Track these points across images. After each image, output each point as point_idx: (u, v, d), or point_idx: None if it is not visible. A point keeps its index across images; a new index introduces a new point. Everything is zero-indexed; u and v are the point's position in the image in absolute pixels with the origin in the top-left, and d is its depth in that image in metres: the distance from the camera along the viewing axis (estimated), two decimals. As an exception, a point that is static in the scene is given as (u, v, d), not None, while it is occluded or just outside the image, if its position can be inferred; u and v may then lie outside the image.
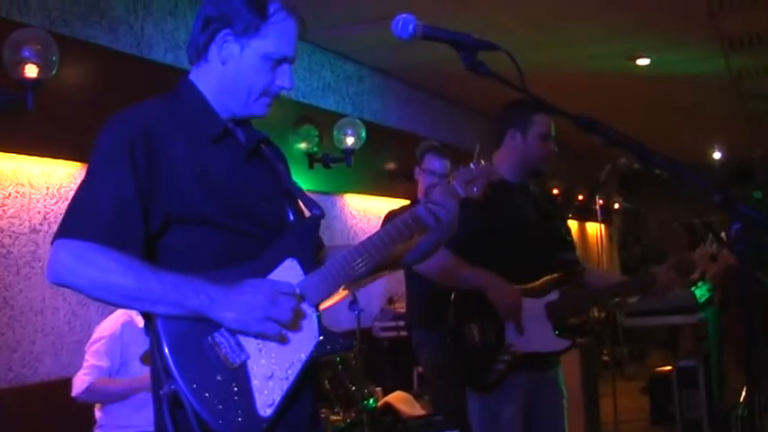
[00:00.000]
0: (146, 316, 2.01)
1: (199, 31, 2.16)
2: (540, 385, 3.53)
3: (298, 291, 2.04)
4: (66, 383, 3.95)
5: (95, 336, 3.98)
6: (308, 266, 2.11)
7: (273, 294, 1.96)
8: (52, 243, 1.91)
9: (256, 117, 2.22)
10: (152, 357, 2.02)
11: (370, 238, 2.22)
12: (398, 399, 5.25)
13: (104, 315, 4.17)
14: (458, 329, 3.50)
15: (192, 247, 2.04)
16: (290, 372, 2.01)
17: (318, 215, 2.20)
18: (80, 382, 3.87)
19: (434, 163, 4.94)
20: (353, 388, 4.52)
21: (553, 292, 3.48)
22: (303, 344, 2.05)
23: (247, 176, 2.16)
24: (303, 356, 2.04)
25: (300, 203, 2.29)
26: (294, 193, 2.28)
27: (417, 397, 5.56)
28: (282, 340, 2.00)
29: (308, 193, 2.30)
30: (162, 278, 1.90)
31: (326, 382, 4.44)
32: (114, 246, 1.88)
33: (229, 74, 2.14)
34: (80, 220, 1.91)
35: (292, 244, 2.12)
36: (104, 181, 1.95)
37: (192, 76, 2.21)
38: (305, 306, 2.06)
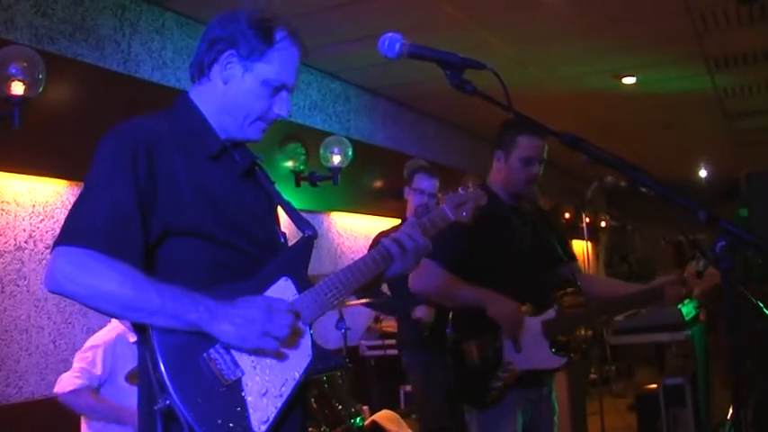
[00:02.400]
0: (139, 330, 2.00)
1: (204, 50, 2.19)
2: (537, 401, 3.55)
3: (287, 306, 2.05)
4: (52, 402, 3.92)
5: (91, 343, 3.93)
6: (301, 285, 2.13)
7: (270, 310, 1.97)
8: (52, 250, 1.90)
9: (250, 141, 2.25)
10: (143, 372, 2.01)
11: (355, 262, 2.25)
12: (385, 417, 5.23)
13: (90, 334, 4.15)
14: (457, 347, 3.50)
15: (187, 259, 2.05)
16: (283, 389, 2.02)
17: (312, 235, 2.22)
18: (68, 383, 3.82)
19: (424, 182, 4.95)
20: (340, 407, 4.50)
21: (550, 311, 3.49)
22: (297, 361, 2.06)
23: (242, 195, 2.19)
24: (297, 374, 2.05)
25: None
26: (287, 212, 2.30)
27: (404, 416, 5.54)
28: (279, 357, 2.01)
29: (301, 214, 2.32)
30: (160, 290, 1.89)
31: (313, 400, 4.41)
32: (114, 254, 1.88)
33: (230, 95, 2.17)
34: (80, 227, 1.91)
35: (286, 263, 2.15)
36: (105, 190, 1.95)
37: (191, 94, 2.23)
38: (299, 324, 2.07)
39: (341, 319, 5.43)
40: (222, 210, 2.09)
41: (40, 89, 4.05)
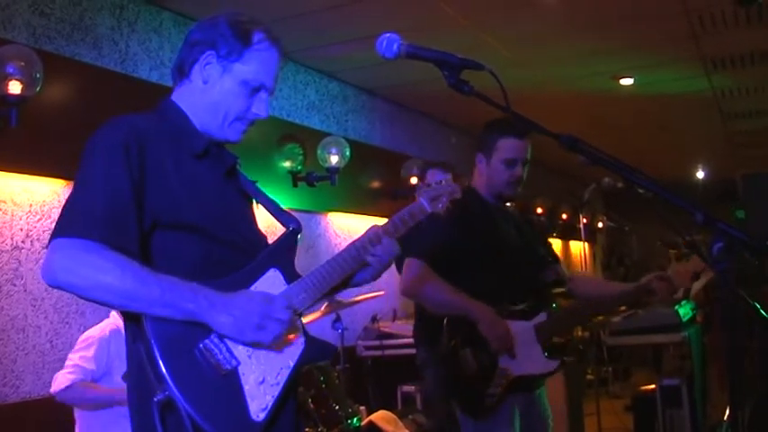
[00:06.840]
0: (131, 321, 2.00)
1: (184, 52, 2.25)
2: (530, 406, 3.53)
3: (285, 303, 2.08)
4: (48, 402, 3.92)
5: (84, 339, 3.93)
6: (290, 276, 2.18)
7: (269, 304, 2.00)
8: (49, 243, 1.89)
9: (230, 142, 2.28)
10: (135, 366, 2.02)
11: (339, 254, 2.31)
12: (382, 418, 5.23)
13: (86, 333, 4.14)
14: (452, 354, 3.47)
15: (175, 252, 2.06)
16: (279, 377, 2.04)
17: (296, 228, 2.27)
18: (62, 380, 3.81)
19: (439, 177, 4.95)
20: (337, 407, 4.51)
21: (541, 314, 3.48)
22: (290, 350, 2.09)
23: (227, 193, 2.24)
24: (291, 362, 2.08)
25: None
26: (270, 209, 2.34)
27: (401, 416, 5.53)
28: (273, 347, 2.03)
29: (284, 209, 2.36)
30: (159, 280, 1.90)
31: (310, 400, 4.41)
32: (113, 244, 1.89)
33: (210, 93, 2.21)
34: (77, 218, 1.91)
35: (274, 254, 2.19)
36: (101, 180, 1.96)
37: (174, 97, 2.28)
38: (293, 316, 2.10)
39: (338, 319, 5.43)
40: (212, 204, 2.13)
41: (38, 88, 4.05)
